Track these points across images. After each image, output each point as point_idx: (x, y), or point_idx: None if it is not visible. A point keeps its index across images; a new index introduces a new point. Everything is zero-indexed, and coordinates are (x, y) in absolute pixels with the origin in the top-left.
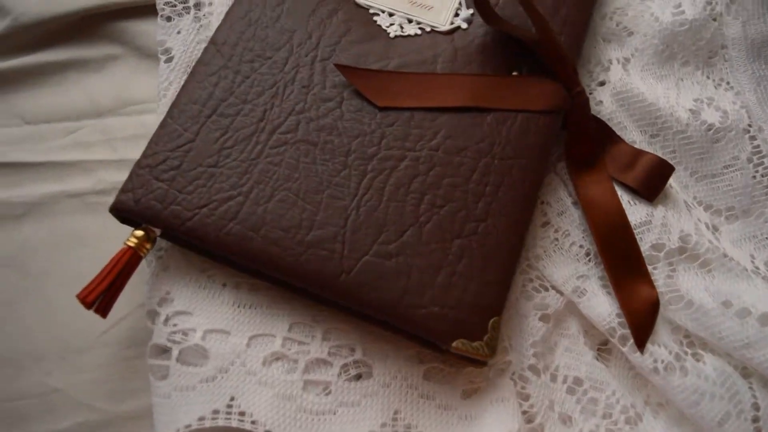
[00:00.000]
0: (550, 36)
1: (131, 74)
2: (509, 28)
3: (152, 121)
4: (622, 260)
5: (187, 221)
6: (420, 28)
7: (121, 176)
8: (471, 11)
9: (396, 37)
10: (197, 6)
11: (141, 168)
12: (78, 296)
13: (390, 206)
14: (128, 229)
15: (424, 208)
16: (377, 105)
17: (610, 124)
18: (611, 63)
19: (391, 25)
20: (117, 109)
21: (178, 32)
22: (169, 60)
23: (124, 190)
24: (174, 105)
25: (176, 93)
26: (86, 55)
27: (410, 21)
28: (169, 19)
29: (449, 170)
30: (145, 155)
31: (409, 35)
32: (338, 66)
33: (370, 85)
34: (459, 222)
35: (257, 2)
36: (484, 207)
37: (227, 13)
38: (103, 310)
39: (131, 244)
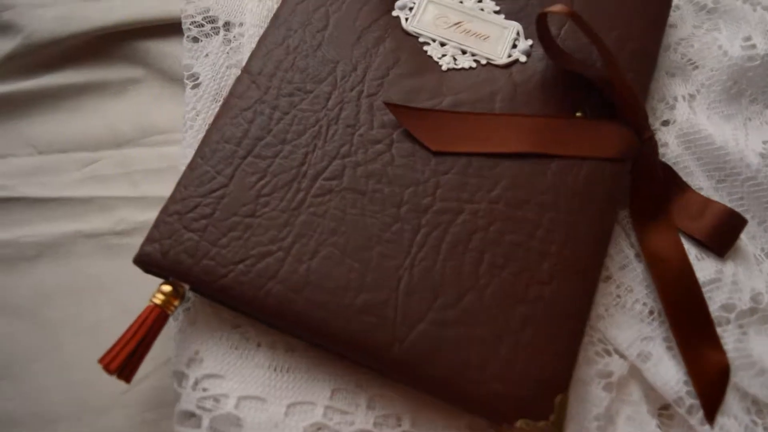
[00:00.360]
0: (619, 74)
1: (154, 100)
2: (574, 63)
3: (177, 153)
4: (689, 321)
5: (221, 278)
6: (475, 61)
7: (142, 215)
8: (530, 42)
9: (449, 70)
10: (227, 26)
11: (169, 215)
12: (100, 362)
13: (447, 266)
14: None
15: (485, 269)
16: (431, 149)
17: (675, 168)
18: (676, 100)
19: (444, 56)
20: (138, 138)
21: (206, 55)
22: (196, 86)
23: (150, 239)
24: (205, 143)
25: (204, 123)
26: (105, 78)
27: (464, 52)
28: (195, 40)
29: (511, 226)
30: (173, 200)
31: (463, 68)
32: (388, 105)
33: (423, 127)
34: (522, 285)
35: (295, 27)
36: (549, 268)
37: (262, 39)
38: (127, 376)
39: (158, 302)
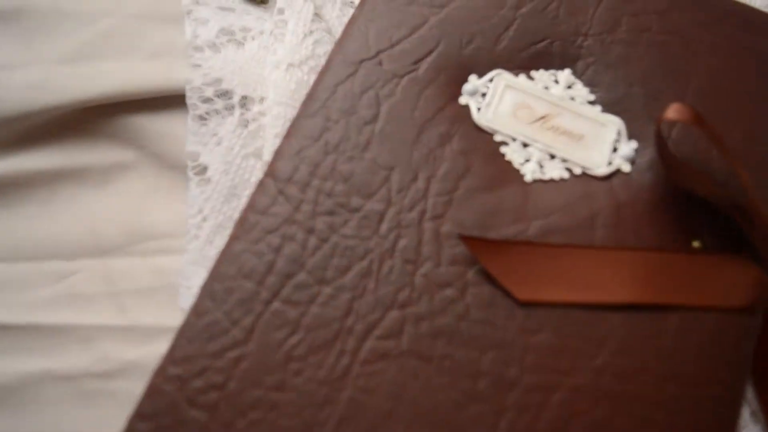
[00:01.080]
0: (751, 194)
1: (147, 193)
2: (696, 182)
3: (176, 267)
4: None
5: None
6: (567, 169)
7: (130, 352)
8: (634, 145)
9: (534, 181)
10: (244, 103)
11: (166, 380)
12: None
13: None
14: None
15: None
16: (517, 298)
17: None
18: None
19: (527, 162)
20: (126, 245)
21: (218, 143)
22: (203, 181)
23: (140, 414)
24: (214, 276)
25: (213, 232)
26: (86, 164)
27: (552, 157)
28: (203, 119)
29: (621, 406)
30: (172, 359)
31: (552, 179)
32: (463, 239)
33: (506, 266)
34: None
35: (336, 116)
36: None
37: (292, 130)
38: None
39: None
